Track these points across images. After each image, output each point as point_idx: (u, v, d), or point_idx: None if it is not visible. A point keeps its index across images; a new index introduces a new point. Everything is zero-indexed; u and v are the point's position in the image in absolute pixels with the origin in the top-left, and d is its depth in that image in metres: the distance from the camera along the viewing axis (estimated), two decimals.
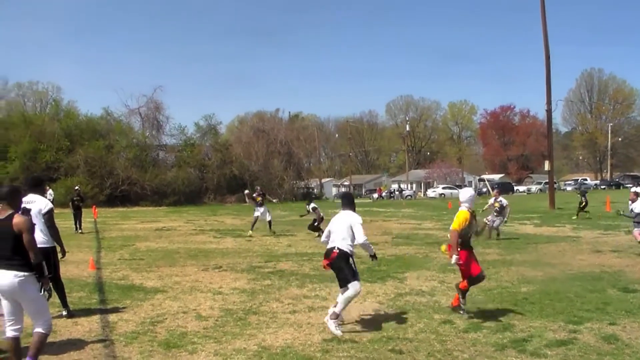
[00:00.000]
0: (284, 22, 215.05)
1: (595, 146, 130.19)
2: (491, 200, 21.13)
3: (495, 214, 20.77)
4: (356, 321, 9.15)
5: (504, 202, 21.51)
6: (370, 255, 9.78)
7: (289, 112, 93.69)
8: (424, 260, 15.97)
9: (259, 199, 24.47)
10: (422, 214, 38.35)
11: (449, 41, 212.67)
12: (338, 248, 8.90)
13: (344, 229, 9.10)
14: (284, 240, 21.74)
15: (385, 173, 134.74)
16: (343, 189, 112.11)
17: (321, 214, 22.75)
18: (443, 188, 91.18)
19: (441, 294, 11.17)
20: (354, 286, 8.68)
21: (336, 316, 8.60)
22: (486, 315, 9.41)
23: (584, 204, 31.36)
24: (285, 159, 71.69)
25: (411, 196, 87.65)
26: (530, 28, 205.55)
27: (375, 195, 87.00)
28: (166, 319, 9.34)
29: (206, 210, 49.12)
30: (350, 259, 9.04)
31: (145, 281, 12.93)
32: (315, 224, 22.50)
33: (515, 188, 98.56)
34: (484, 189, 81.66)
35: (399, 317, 9.32)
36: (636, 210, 15.27)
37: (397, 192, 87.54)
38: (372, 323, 9.01)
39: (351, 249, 9.06)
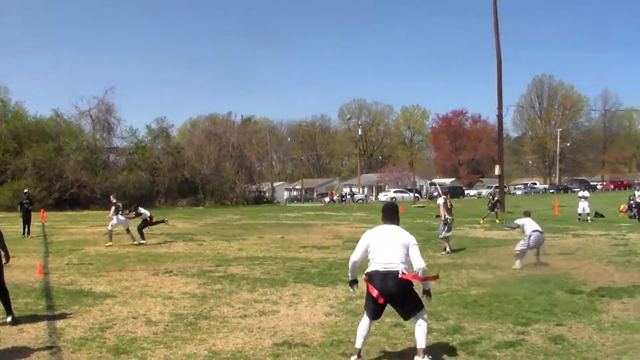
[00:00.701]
0: (238, 25, 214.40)
1: (544, 151, 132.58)
2: (440, 201, 20.64)
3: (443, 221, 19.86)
4: (307, 325, 9.14)
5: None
6: (425, 290, 7.83)
7: (242, 116, 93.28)
8: None
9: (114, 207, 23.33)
10: (373, 217, 38.45)
11: (402, 46, 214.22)
12: (403, 272, 7.26)
13: (399, 249, 7.42)
14: (235, 245, 21.65)
15: (337, 177, 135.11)
16: (295, 193, 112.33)
17: (148, 214, 22.95)
18: (394, 192, 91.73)
19: None
20: (424, 314, 7.48)
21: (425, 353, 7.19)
22: (436, 318, 9.47)
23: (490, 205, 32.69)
24: (237, 162, 71.48)
25: (363, 200, 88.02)
26: (483, 33, 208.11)
27: (327, 199, 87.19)
28: (115, 324, 9.22)
29: (157, 213, 48.37)
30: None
31: (94, 286, 12.75)
32: (144, 226, 22.47)
33: (466, 192, 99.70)
34: (435, 193, 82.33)
35: (350, 321, 9.31)
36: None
37: (348, 196, 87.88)
38: (323, 327, 9.01)
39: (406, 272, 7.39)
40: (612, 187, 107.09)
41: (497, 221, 32.42)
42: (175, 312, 10.04)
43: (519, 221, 16.50)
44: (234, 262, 16.75)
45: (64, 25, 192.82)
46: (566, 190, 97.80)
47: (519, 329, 8.73)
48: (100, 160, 63.77)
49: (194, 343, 8.09)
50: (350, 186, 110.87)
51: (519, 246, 15.45)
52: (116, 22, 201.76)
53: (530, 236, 15.39)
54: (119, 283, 13.13)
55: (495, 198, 36.13)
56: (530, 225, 15.82)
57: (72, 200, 56.72)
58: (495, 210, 34.60)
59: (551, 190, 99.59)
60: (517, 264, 15.08)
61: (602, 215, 35.12)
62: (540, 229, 15.70)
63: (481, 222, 32.26)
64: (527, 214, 16.77)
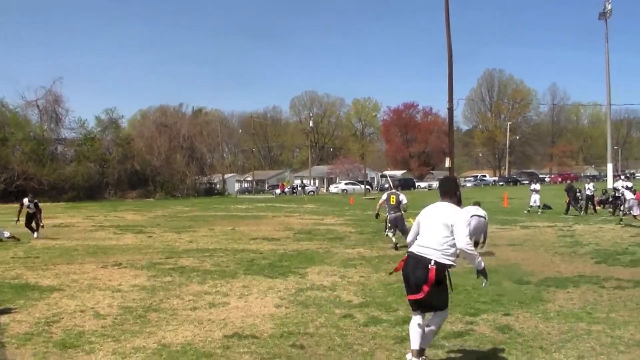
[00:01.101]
0: (190, 18, 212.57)
1: (494, 144, 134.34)
2: (384, 197, 19.00)
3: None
4: (257, 317, 9.12)
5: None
6: (478, 271, 7.10)
7: (192, 107, 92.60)
8: (325, 255, 16.07)
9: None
10: (324, 209, 38.62)
11: (354, 39, 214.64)
12: (435, 262, 6.41)
13: (440, 231, 6.56)
14: (186, 237, 21.48)
15: (288, 169, 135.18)
16: (246, 185, 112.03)
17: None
18: (345, 184, 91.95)
19: (342, 289, 11.24)
20: (445, 314, 6.82)
21: (421, 353, 6.58)
22: (386, 309, 9.53)
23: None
24: (188, 154, 70.97)
25: (314, 192, 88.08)
26: (436, 27, 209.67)
27: (278, 191, 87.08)
28: (62, 318, 9.06)
29: (106, 206, 48.11)
30: (447, 274, 6.67)
31: (40, 280, 12.51)
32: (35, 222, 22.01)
33: (417, 184, 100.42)
34: (386, 185, 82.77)
35: (300, 313, 9.33)
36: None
37: (299, 188, 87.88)
38: (273, 318, 8.99)
39: (450, 259, 6.55)
40: (559, 179, 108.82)
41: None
42: (124, 305, 9.92)
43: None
44: (184, 254, 16.62)
45: (9, 12, 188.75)
46: (515, 182, 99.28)
47: (467, 319, 8.83)
48: (47, 151, 62.54)
49: (143, 336, 8.00)
50: (302, 178, 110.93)
51: None
52: (62, 11, 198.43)
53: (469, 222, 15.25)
54: (67, 276, 12.91)
55: None
56: (470, 210, 15.74)
57: (18, 192, 55.30)
58: None
59: (500, 183, 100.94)
60: None
61: (549, 207, 35.67)
62: (481, 214, 15.90)
63: None
64: (476, 204, 16.72)
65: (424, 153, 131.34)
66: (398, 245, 16.96)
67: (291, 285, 11.64)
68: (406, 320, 8.62)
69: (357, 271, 13.42)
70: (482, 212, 15.76)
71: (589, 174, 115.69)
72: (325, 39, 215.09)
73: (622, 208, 27.73)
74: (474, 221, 15.21)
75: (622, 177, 42.19)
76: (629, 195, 26.65)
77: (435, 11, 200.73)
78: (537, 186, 35.81)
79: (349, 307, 9.70)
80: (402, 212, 17.96)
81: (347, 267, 13.86)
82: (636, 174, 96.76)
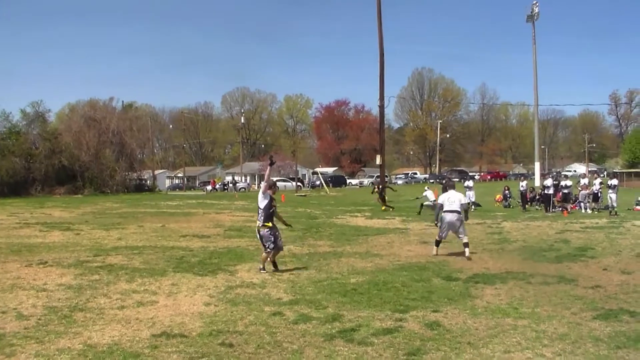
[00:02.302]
0: (118, 9, 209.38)
1: (425, 142, 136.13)
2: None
3: None
4: (186, 315, 9.03)
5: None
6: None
7: (122, 102, 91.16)
8: (255, 252, 15.90)
9: None
10: (255, 206, 38.30)
11: (286, 35, 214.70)
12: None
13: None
14: (114, 234, 21.08)
15: (220, 165, 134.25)
16: (177, 181, 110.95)
17: None
18: (277, 180, 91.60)
19: (272, 286, 11.23)
20: None
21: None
22: (316, 306, 9.55)
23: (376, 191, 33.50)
24: (118, 149, 69.81)
25: (245, 188, 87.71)
26: (368, 25, 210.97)
27: (209, 188, 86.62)
28: None
29: (33, 202, 46.90)
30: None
31: None
32: None
33: (348, 181, 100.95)
34: (317, 182, 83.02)
35: (230, 310, 9.29)
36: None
37: (230, 185, 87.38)
38: (202, 317, 8.93)
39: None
40: (489, 177, 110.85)
41: (383, 209, 32.98)
42: (49, 305, 9.70)
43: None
44: (112, 251, 16.35)
45: None
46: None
47: (396, 316, 8.92)
48: None
49: (68, 337, 7.84)
50: (233, 174, 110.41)
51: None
52: None
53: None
54: None
55: (380, 187, 36.61)
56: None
57: None
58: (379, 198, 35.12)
59: (431, 180, 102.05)
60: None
61: (479, 205, 36.31)
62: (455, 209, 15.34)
63: (382, 208, 32.80)
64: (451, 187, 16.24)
65: (355, 150, 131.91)
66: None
67: (220, 283, 11.58)
68: (336, 318, 8.72)
69: (287, 268, 13.41)
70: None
71: (517, 172, 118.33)
72: (257, 33, 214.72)
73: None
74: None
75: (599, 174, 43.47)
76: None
77: (368, 9, 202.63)
78: (470, 183, 36.70)
79: (278, 305, 9.69)
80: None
81: (278, 265, 13.83)
82: (562, 173, 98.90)
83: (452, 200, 15.25)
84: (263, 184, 12.93)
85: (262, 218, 12.71)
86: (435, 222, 15.18)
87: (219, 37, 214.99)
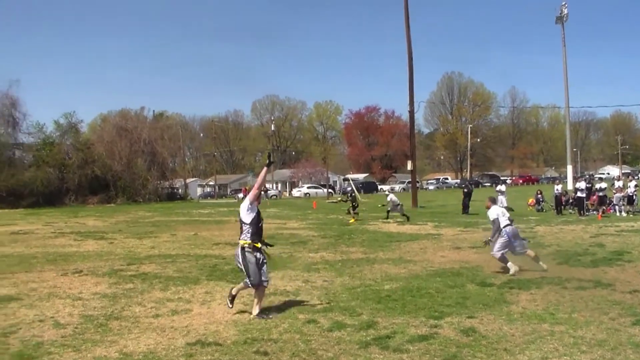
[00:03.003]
0: (148, 20, 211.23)
1: (455, 146, 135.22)
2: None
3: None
4: (220, 323, 9.04)
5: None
6: None
7: (153, 111, 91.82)
8: (288, 260, 16.01)
9: None
10: (287, 213, 38.55)
11: (316, 42, 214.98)
12: None
13: None
14: (148, 242, 21.22)
15: (251, 173, 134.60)
16: (208, 189, 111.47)
17: None
18: (308, 187, 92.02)
19: (305, 294, 11.22)
20: None
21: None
22: (350, 313, 9.52)
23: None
24: (149, 158, 70.24)
25: (276, 196, 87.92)
26: (397, 30, 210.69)
27: (240, 195, 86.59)
28: (20, 328, 8.88)
29: (67, 211, 47.38)
30: None
31: None
32: None
33: (379, 187, 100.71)
34: (349, 188, 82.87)
35: (264, 318, 9.28)
36: (491, 218, 14.88)
37: (262, 192, 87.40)
38: (237, 325, 8.93)
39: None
40: (520, 181, 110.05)
41: (352, 221, 31.07)
42: (84, 314, 9.77)
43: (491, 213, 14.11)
44: (146, 260, 16.44)
45: None
46: (477, 184, 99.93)
47: (431, 322, 8.85)
48: (4, 156, 61.27)
49: (104, 345, 7.89)
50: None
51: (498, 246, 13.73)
52: (18, 11, 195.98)
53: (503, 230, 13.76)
54: (25, 285, 12.64)
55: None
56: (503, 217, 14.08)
57: None
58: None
59: (462, 185, 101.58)
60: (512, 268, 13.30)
61: (511, 209, 35.99)
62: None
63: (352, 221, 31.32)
64: (493, 201, 14.90)
65: (386, 156, 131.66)
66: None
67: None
68: (370, 325, 8.67)
69: (321, 275, 13.39)
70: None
71: (549, 176, 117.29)
72: (287, 42, 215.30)
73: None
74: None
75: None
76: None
77: (396, 14, 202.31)
78: (503, 187, 36.35)
79: (312, 312, 9.67)
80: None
81: (311, 272, 13.85)
82: (595, 176, 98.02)
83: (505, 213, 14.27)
84: (253, 192, 9.96)
85: (250, 235, 9.63)
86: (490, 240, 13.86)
87: (246, 45, 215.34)
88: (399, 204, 30.31)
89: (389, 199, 30.74)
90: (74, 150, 65.09)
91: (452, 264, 14.85)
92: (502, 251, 13.44)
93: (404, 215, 29.63)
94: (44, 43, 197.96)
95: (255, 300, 9.65)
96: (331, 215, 34.44)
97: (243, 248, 9.57)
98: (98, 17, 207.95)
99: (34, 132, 65.89)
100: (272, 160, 10.45)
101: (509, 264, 13.25)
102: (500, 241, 13.48)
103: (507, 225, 13.60)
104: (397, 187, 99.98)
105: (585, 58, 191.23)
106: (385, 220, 29.29)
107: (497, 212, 13.77)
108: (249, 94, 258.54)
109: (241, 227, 9.74)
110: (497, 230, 13.52)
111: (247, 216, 9.72)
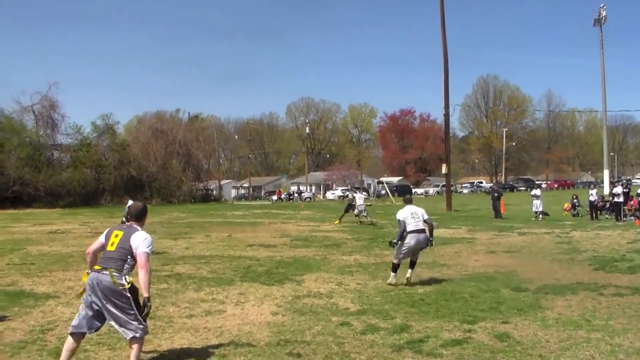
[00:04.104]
0: (187, 22, 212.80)
1: (490, 150, 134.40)
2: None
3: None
4: (254, 324, 9.07)
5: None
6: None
7: (189, 113, 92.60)
8: (322, 262, 16.00)
9: None
10: (320, 216, 38.52)
11: (351, 45, 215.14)
12: None
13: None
14: (182, 243, 21.31)
15: (285, 175, 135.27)
16: (242, 191, 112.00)
17: None
18: (342, 190, 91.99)
19: (339, 296, 11.20)
20: None
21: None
22: (383, 316, 9.50)
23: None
24: (184, 160, 70.79)
25: (310, 198, 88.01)
26: (433, 32, 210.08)
27: (275, 197, 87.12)
28: (57, 326, 8.99)
29: (103, 212, 47.81)
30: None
31: (35, 287, 12.42)
32: None
33: (414, 190, 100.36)
34: (383, 191, 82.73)
35: (297, 320, 9.29)
36: (397, 217, 13.02)
37: (296, 194, 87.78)
38: (270, 326, 8.95)
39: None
40: (556, 186, 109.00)
41: (336, 223, 31.26)
42: None
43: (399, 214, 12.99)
44: (180, 260, 16.54)
45: (3, 17, 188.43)
46: (512, 189, 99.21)
47: (465, 327, 8.80)
48: (43, 157, 62.03)
49: None
50: (298, 184, 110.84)
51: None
52: (57, 14, 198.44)
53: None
54: (62, 283, 12.80)
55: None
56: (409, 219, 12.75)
57: (14, 198, 55.09)
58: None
59: (489, 190, 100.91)
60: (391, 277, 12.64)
61: (547, 214, 35.72)
62: (420, 228, 12.75)
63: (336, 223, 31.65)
64: (408, 201, 13.56)
65: (420, 159, 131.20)
66: None
67: (288, 292, 11.59)
68: (404, 329, 8.66)
69: (354, 278, 13.37)
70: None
71: (585, 180, 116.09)
72: (321, 45, 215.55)
73: None
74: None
75: None
76: None
77: (432, 16, 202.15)
78: (538, 192, 36.07)
79: (346, 315, 9.66)
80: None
81: (344, 274, 13.83)
82: (632, 180, 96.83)
83: (417, 215, 12.76)
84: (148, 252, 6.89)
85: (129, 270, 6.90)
86: (396, 242, 12.58)
87: (283, 48, 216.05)
88: (364, 209, 30.61)
89: (358, 200, 30.87)
90: (110, 151, 65.83)
91: (486, 269, 14.74)
92: (400, 257, 12.59)
93: (366, 219, 30.18)
94: (82, 45, 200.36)
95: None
96: (365, 218, 34.36)
97: (123, 288, 6.77)
98: (132, 20, 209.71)
99: (72, 134, 66.67)
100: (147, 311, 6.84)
101: (392, 275, 12.51)
102: (403, 246, 12.50)
103: (414, 231, 12.49)
104: (432, 190, 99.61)
105: (623, 61, 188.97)
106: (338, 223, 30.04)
107: (405, 214, 12.61)
108: (285, 97, 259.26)
109: (115, 261, 6.91)
110: (402, 233, 12.47)
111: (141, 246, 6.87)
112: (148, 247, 6.81)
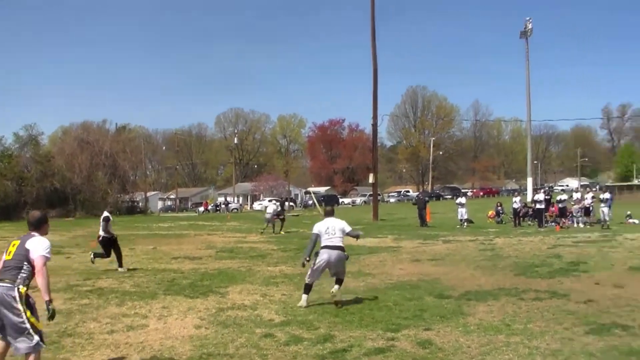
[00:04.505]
0: (111, 34, 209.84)
1: (418, 159, 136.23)
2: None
3: None
4: (176, 338, 8.96)
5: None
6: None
7: (116, 124, 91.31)
8: (247, 273, 15.93)
9: None
10: (247, 227, 38.41)
11: (281, 55, 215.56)
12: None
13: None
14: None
15: (212, 186, 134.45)
16: (169, 202, 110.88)
17: None
18: (269, 201, 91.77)
19: (263, 308, 11.17)
20: None
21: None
22: (307, 327, 9.51)
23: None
24: (110, 171, 69.58)
25: (237, 209, 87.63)
26: (363, 43, 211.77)
27: (201, 209, 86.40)
28: None
29: (24, 226, 46.24)
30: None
31: None
32: None
33: (341, 200, 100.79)
34: (310, 202, 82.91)
35: (220, 333, 9.23)
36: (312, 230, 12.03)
37: (223, 205, 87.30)
38: (193, 340, 8.86)
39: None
40: (481, 194, 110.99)
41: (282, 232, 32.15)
42: None
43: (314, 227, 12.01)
44: (103, 275, 16.22)
45: None
46: (438, 197, 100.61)
47: (388, 335, 8.89)
48: None
49: None
50: (225, 195, 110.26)
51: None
52: None
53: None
54: None
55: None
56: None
57: None
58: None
59: (415, 199, 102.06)
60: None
61: (472, 222, 36.32)
62: (335, 244, 11.58)
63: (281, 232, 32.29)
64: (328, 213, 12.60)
65: (348, 169, 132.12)
66: None
67: (211, 305, 11.49)
68: (327, 339, 8.66)
69: (279, 289, 13.35)
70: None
71: (509, 188, 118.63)
72: (251, 55, 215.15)
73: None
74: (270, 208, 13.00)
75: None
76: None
77: (361, 27, 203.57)
78: (463, 200, 36.73)
79: (269, 326, 9.63)
80: None
81: (269, 285, 13.80)
82: (554, 187, 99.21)
83: (333, 230, 11.66)
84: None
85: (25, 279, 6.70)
86: (306, 258, 11.48)
87: (212, 60, 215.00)
88: (270, 219, 31.77)
89: (268, 209, 31.54)
90: (33, 163, 64.18)
91: (411, 277, 14.90)
92: (312, 276, 11.54)
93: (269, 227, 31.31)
94: (6, 54, 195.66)
95: None
96: (292, 229, 34.37)
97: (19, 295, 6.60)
98: (62, 26, 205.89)
99: None
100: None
101: (304, 297, 11.44)
102: (316, 263, 11.45)
103: (327, 247, 11.49)
104: (359, 199, 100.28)
105: (548, 71, 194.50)
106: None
107: (320, 228, 11.64)
108: (213, 108, 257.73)
109: (9, 271, 6.70)
110: (311, 247, 11.57)
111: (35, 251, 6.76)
112: (45, 250, 6.70)
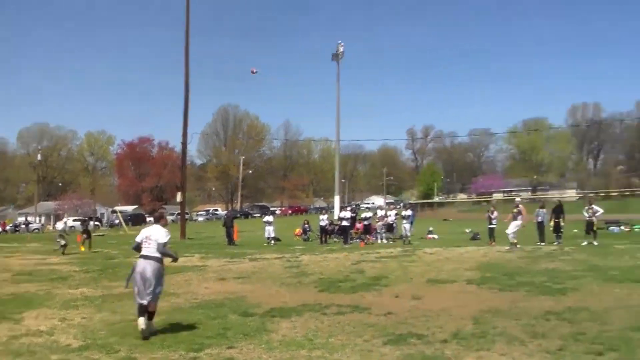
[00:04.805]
0: None
1: (227, 178, 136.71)
2: None
3: None
4: None
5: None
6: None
7: None
8: (45, 297, 15.16)
9: None
10: (48, 248, 36.65)
11: (90, 73, 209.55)
12: None
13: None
14: None
15: (12, 205, 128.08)
16: None
17: None
18: (74, 220, 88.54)
19: (61, 333, 10.67)
20: None
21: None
22: (107, 350, 9.25)
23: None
24: None
25: (39, 229, 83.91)
26: (175, 62, 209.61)
27: None
28: None
29: None
30: None
31: None
32: None
33: (148, 219, 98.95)
34: (117, 221, 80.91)
35: None
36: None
37: (23, 225, 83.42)
38: None
39: None
40: (290, 212, 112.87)
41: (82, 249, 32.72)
42: None
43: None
44: None
45: None
46: (247, 215, 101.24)
47: (191, 355, 8.85)
48: None
49: None
50: (26, 215, 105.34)
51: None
52: None
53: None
54: None
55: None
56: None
57: None
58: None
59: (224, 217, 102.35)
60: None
61: (279, 240, 36.75)
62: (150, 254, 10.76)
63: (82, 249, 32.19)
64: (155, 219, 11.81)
65: (157, 187, 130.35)
66: None
67: (3, 332, 10.79)
68: None
69: (79, 312, 12.82)
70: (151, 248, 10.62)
71: (318, 206, 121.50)
72: (57, 71, 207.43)
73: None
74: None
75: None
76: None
77: (175, 45, 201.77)
78: (270, 218, 37.15)
79: (66, 352, 9.23)
80: None
81: (69, 309, 13.21)
82: (361, 205, 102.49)
83: (150, 239, 10.82)
84: None
85: None
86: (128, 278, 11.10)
87: (15, 72, 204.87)
88: (57, 237, 31.67)
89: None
90: None
91: (216, 295, 14.81)
92: (135, 291, 10.68)
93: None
94: None
95: None
96: (97, 249, 33.25)
97: None
98: None
99: None
100: None
101: (140, 319, 10.23)
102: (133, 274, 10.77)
103: (141, 256, 10.86)
104: (170, 218, 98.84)
105: (357, 94, 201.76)
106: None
107: (141, 236, 10.96)
108: (17, 122, 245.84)
109: None
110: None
111: None
112: None
